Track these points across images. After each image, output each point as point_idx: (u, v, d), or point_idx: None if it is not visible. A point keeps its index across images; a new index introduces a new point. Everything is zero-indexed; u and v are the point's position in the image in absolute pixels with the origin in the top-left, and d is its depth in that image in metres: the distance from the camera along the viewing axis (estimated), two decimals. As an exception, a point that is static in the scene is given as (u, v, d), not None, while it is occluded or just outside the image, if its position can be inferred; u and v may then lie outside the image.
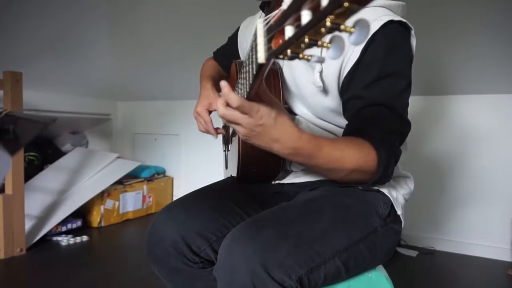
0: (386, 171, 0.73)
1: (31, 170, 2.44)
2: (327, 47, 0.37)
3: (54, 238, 2.10)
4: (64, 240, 2.07)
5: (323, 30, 0.34)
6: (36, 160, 2.58)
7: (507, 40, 1.65)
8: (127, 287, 1.60)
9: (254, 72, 0.51)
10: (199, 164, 2.81)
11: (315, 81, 0.79)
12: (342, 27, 0.34)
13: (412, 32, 0.79)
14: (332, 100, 0.81)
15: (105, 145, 3.19)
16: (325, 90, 0.80)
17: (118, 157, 2.62)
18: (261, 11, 1.00)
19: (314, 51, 0.40)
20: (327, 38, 0.37)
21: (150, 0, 2.01)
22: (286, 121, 0.63)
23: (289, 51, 0.39)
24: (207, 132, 1.00)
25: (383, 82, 0.74)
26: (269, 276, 0.63)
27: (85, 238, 2.14)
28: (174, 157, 2.95)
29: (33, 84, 2.13)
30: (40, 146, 2.70)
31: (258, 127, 0.61)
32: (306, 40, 0.37)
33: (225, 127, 1.12)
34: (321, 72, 0.79)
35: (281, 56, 0.41)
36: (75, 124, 2.99)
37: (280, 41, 0.41)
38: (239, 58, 1.12)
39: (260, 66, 0.48)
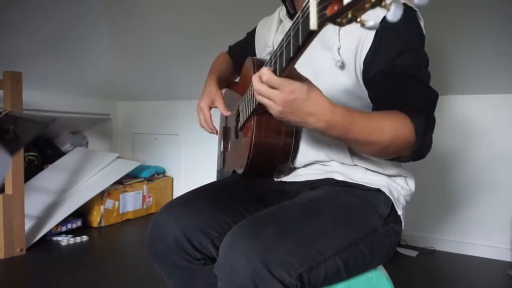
0: (424, 139, 0.71)
1: (31, 170, 2.44)
2: (388, 9, 0.40)
3: (54, 238, 2.10)
4: (64, 240, 2.07)
5: None
6: (36, 160, 2.58)
7: (508, 41, 1.65)
8: (127, 287, 1.60)
9: (300, 43, 0.52)
10: (199, 164, 2.81)
11: (334, 56, 0.80)
12: (383, 4, 0.39)
13: (422, 24, 0.79)
14: (348, 77, 0.81)
15: (105, 145, 3.19)
16: (342, 66, 0.81)
17: (118, 157, 2.62)
18: (281, 6, 1.00)
19: (368, 16, 0.43)
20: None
21: (150, 0, 2.01)
22: (319, 95, 0.64)
23: (350, 13, 0.42)
24: (206, 127, 1.06)
25: (406, 57, 0.75)
26: (270, 273, 0.63)
27: (85, 238, 2.14)
28: (174, 157, 2.95)
29: (33, 84, 2.13)
30: (40, 146, 2.70)
31: (291, 103, 0.62)
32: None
33: (226, 129, 1.12)
34: (339, 49, 0.79)
35: (338, 20, 0.43)
36: (75, 124, 2.99)
37: (336, 7, 0.43)
38: (255, 54, 1.13)
39: (311, 33, 0.50)
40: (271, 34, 1.04)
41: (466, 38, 1.71)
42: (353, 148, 0.76)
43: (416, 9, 0.78)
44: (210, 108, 1.06)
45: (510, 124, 1.92)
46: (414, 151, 0.72)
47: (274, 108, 0.64)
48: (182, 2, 1.98)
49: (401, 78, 0.74)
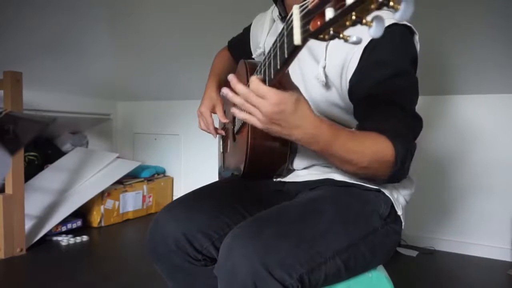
0: (403, 165, 0.71)
1: (31, 170, 2.44)
2: (370, 25, 0.40)
3: (54, 238, 2.10)
4: (64, 240, 2.07)
5: (372, 6, 0.38)
6: (36, 160, 2.58)
7: (507, 41, 1.65)
8: (127, 287, 1.60)
9: (286, 56, 0.52)
10: (199, 164, 2.81)
11: (319, 75, 0.80)
12: (363, 21, 0.39)
13: (416, 37, 0.79)
14: (335, 94, 0.81)
15: (105, 145, 3.19)
16: (327, 85, 0.81)
17: (118, 157, 2.62)
18: (273, 6, 1.00)
19: (351, 32, 0.43)
20: (369, 17, 0.40)
21: (150, 0, 2.01)
22: (307, 108, 0.64)
23: (331, 30, 0.42)
24: (208, 131, 1.07)
25: (395, 81, 0.74)
26: (270, 275, 0.63)
27: (85, 238, 2.14)
28: (174, 157, 2.95)
29: (33, 84, 2.13)
30: (40, 146, 2.70)
31: (277, 113, 0.61)
32: (353, 17, 0.39)
33: (225, 129, 1.13)
34: (324, 67, 0.79)
35: (321, 36, 0.43)
36: (75, 124, 2.99)
37: (319, 23, 0.43)
38: (251, 50, 1.14)
39: (295, 48, 0.50)
40: (263, 34, 1.04)
41: (465, 37, 1.71)
42: (333, 164, 0.76)
43: (410, 24, 0.77)
44: (211, 113, 1.07)
45: (509, 124, 1.92)
46: (390, 175, 0.73)
47: (259, 117, 0.63)
48: (182, 2, 1.97)
49: (387, 104, 0.74)
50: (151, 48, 2.38)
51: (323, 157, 0.72)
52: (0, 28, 1.91)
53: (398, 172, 0.72)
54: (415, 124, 0.77)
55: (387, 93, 0.74)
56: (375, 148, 0.70)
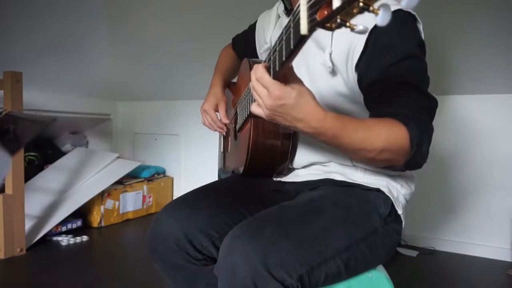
0: (419, 149, 0.68)
1: (31, 170, 2.44)
2: (377, 13, 0.40)
3: (54, 238, 2.10)
4: (64, 240, 2.07)
5: None
6: (36, 160, 2.58)
7: (507, 42, 1.65)
8: (127, 287, 1.60)
9: (292, 47, 0.52)
10: (199, 164, 2.81)
11: (325, 62, 0.79)
12: (371, 8, 0.39)
13: (420, 27, 0.78)
14: (341, 82, 0.80)
15: (105, 145, 3.19)
16: (333, 72, 0.80)
17: (118, 157, 2.62)
18: (279, 1, 1.00)
19: (357, 21, 0.43)
20: (376, 4, 0.40)
21: (150, 0, 2.01)
22: (310, 101, 0.63)
23: (338, 18, 0.42)
24: (211, 128, 1.09)
25: (404, 64, 0.72)
26: (270, 274, 0.63)
27: (85, 238, 2.14)
28: (174, 157, 2.95)
29: (33, 84, 2.13)
30: (40, 146, 2.70)
31: (278, 107, 0.62)
32: (361, 4, 0.39)
33: (226, 129, 1.13)
34: (330, 54, 0.79)
35: (328, 25, 0.44)
36: (75, 124, 2.99)
37: (325, 12, 0.43)
38: (256, 48, 1.14)
39: (302, 38, 0.50)
40: (269, 30, 1.05)
41: (465, 38, 1.71)
42: (347, 155, 0.74)
43: (414, 12, 0.76)
44: (215, 111, 1.08)
45: (509, 124, 1.92)
46: (407, 161, 0.70)
47: (264, 109, 0.64)
48: (182, 2, 1.97)
49: (399, 86, 0.72)
50: (151, 48, 2.38)
51: (334, 148, 0.70)
52: (0, 28, 1.91)
53: (415, 157, 0.69)
54: (431, 105, 0.73)
55: (398, 76, 0.72)
56: (387, 133, 0.67)
